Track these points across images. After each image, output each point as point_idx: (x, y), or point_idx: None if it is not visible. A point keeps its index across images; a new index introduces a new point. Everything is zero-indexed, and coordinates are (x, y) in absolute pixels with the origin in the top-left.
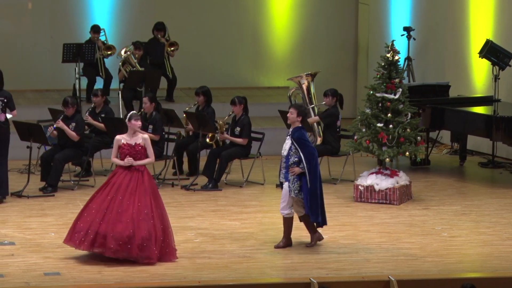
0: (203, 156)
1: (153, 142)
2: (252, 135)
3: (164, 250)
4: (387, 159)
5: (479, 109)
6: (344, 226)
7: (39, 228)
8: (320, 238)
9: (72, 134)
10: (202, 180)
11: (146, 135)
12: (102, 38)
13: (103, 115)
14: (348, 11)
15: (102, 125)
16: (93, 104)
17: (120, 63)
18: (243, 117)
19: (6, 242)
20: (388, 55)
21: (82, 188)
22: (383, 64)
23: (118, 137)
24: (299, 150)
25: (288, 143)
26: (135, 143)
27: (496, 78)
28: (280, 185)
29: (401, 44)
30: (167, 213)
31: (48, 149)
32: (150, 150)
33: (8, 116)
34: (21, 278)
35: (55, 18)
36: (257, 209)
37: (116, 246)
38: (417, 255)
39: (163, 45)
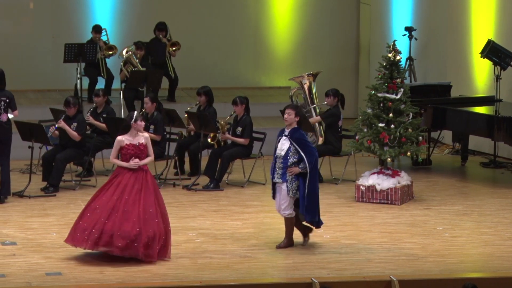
0: (205, 156)
1: (154, 142)
2: (254, 135)
3: (162, 248)
4: (389, 159)
5: (481, 109)
6: (345, 226)
7: (40, 228)
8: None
9: (73, 134)
10: (204, 180)
11: (146, 134)
12: (104, 38)
13: (104, 115)
14: (350, 11)
15: (103, 125)
16: (94, 104)
17: (122, 63)
18: (245, 117)
19: (7, 242)
20: (390, 55)
21: (83, 188)
22: (384, 64)
23: (120, 137)
24: (300, 150)
25: (285, 143)
26: (139, 143)
27: (497, 78)
28: (273, 186)
29: (402, 44)
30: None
31: (50, 149)
32: (150, 149)
33: (10, 116)
34: (23, 278)
35: (56, 18)
36: (259, 209)
37: (124, 244)
38: (419, 255)
39: (165, 45)
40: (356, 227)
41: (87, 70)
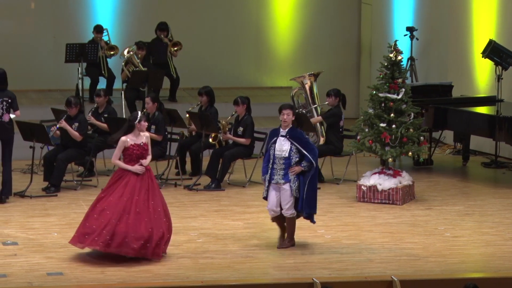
0: (206, 156)
1: (156, 142)
2: (255, 135)
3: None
4: (390, 159)
5: (482, 109)
6: (347, 226)
7: (42, 228)
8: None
9: (75, 134)
10: (205, 180)
11: (147, 133)
12: (105, 38)
13: (105, 115)
14: (351, 11)
15: (105, 125)
16: (95, 104)
17: (123, 63)
18: (246, 117)
19: (9, 242)
20: (391, 55)
21: (85, 188)
22: (386, 64)
23: (123, 138)
24: (302, 149)
25: (285, 144)
26: (142, 143)
27: (499, 78)
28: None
29: (404, 44)
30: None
31: (51, 149)
32: (150, 148)
33: (12, 116)
34: (24, 278)
35: (58, 18)
36: (260, 209)
37: (139, 245)
38: (420, 255)
39: (166, 45)
40: (357, 227)
41: (88, 70)
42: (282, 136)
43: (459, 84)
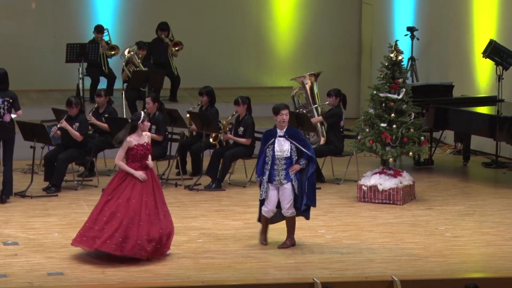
0: (207, 156)
1: (156, 142)
2: (256, 135)
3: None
4: (391, 159)
5: (483, 109)
6: (347, 226)
7: (42, 228)
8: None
9: (75, 134)
10: (206, 180)
11: (148, 133)
12: (106, 38)
13: (106, 115)
14: (352, 11)
15: (105, 125)
16: (96, 104)
17: (124, 63)
18: (247, 117)
19: (9, 242)
20: (392, 55)
21: (85, 188)
22: (386, 64)
23: (128, 139)
24: (300, 147)
25: (284, 144)
26: (145, 142)
27: (499, 78)
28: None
29: (404, 44)
30: None
31: (52, 149)
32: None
33: (13, 116)
34: (25, 278)
35: (58, 18)
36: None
37: (152, 248)
38: (421, 255)
39: (167, 45)
40: (358, 227)
41: (89, 70)
42: (280, 136)
43: (460, 84)
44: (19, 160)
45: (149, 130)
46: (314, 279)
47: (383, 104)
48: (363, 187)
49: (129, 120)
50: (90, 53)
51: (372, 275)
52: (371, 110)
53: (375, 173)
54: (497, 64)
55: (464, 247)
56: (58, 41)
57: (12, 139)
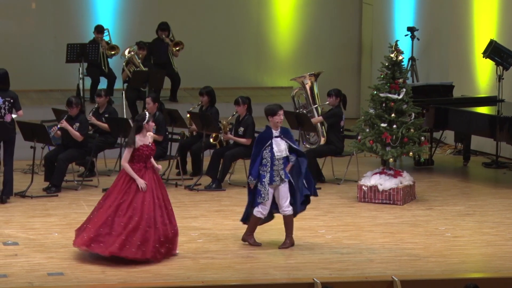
0: (207, 156)
1: (156, 142)
2: (256, 135)
3: None
4: (391, 159)
5: (483, 109)
6: (347, 226)
7: (42, 228)
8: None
9: (76, 134)
10: (206, 180)
11: (151, 133)
12: (106, 38)
13: (106, 115)
14: (352, 11)
15: (105, 125)
16: (96, 104)
17: (124, 63)
18: (247, 117)
19: (9, 242)
20: (392, 55)
21: (85, 188)
22: (386, 64)
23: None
24: (292, 144)
25: (281, 144)
26: (150, 143)
27: (500, 78)
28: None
29: (405, 44)
30: None
31: (52, 149)
32: None
33: (14, 116)
34: (25, 278)
35: (58, 18)
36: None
37: (165, 250)
38: (421, 255)
39: (167, 45)
40: (358, 227)
41: (89, 70)
42: (276, 137)
43: (460, 84)
44: (19, 160)
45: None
46: (314, 279)
47: (383, 104)
48: (363, 187)
49: (134, 121)
50: (90, 53)
51: (372, 275)
52: (371, 110)
53: (375, 173)
54: (497, 64)
55: (464, 247)
56: (58, 41)
57: (13, 139)
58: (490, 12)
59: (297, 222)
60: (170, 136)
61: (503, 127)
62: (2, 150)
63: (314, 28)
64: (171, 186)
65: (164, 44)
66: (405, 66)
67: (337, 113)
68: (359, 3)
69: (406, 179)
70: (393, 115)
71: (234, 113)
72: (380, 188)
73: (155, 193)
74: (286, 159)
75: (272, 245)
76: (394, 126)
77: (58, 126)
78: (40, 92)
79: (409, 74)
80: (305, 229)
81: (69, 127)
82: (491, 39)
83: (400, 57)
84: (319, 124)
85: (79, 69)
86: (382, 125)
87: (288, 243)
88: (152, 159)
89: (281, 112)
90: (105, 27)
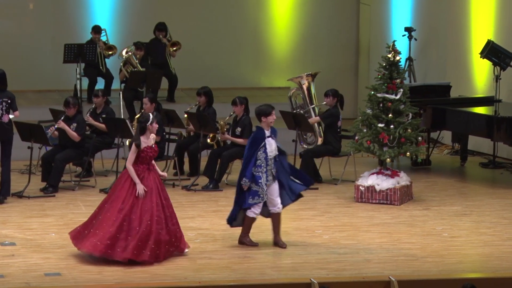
0: (204, 157)
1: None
2: None
3: None
4: (388, 159)
5: (480, 110)
6: (344, 226)
7: (39, 228)
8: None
9: (73, 134)
10: (203, 180)
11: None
12: (103, 38)
13: (104, 116)
14: (350, 11)
15: (103, 125)
16: (94, 105)
17: (121, 64)
18: (244, 117)
19: (6, 242)
20: (389, 55)
21: (82, 188)
22: (384, 64)
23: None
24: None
25: (273, 143)
26: (153, 144)
27: (497, 78)
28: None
29: (402, 44)
30: None
31: (49, 149)
32: None
33: (11, 116)
34: (22, 279)
35: (56, 18)
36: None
37: (173, 249)
38: (418, 255)
39: (164, 46)
40: (355, 227)
41: (86, 70)
42: (268, 137)
43: (457, 84)
44: (16, 161)
45: None
46: (311, 279)
47: (381, 105)
48: (360, 187)
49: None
50: (88, 54)
51: (369, 275)
52: (369, 111)
53: (373, 174)
54: (494, 64)
55: (461, 247)
56: (56, 41)
57: (10, 139)
58: (487, 12)
59: (294, 222)
60: (167, 136)
61: (500, 127)
62: None
63: (311, 28)
64: (168, 187)
65: (162, 44)
66: (403, 66)
67: (334, 113)
68: (357, 3)
69: (403, 179)
70: (390, 115)
71: (232, 113)
72: (377, 188)
73: (162, 194)
74: (274, 159)
75: (269, 245)
76: (392, 126)
77: (56, 126)
78: (38, 92)
79: (406, 74)
80: (302, 229)
81: (66, 128)
82: (488, 40)
83: (397, 57)
84: (316, 124)
85: (77, 69)
86: (380, 125)
87: (283, 242)
88: (156, 167)
89: (274, 112)
90: (102, 28)
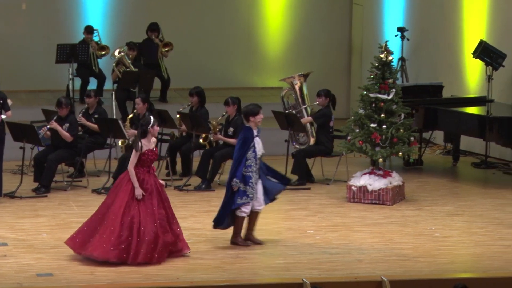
0: (197, 157)
1: None
2: None
3: None
4: (380, 159)
5: (473, 110)
6: (336, 226)
7: (31, 228)
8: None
9: (65, 134)
10: (195, 180)
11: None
12: (96, 38)
13: (96, 116)
14: (342, 11)
15: (95, 126)
16: (86, 105)
17: (114, 64)
18: (237, 117)
19: None
20: (382, 55)
21: (75, 188)
22: (376, 64)
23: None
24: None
25: (260, 142)
26: (154, 148)
27: (489, 78)
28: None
29: (394, 44)
30: None
31: (41, 149)
32: None
33: (3, 117)
34: (14, 279)
35: (48, 18)
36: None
37: (175, 249)
38: (410, 255)
39: (157, 46)
40: (347, 227)
41: (79, 70)
42: (256, 136)
43: (450, 84)
44: (8, 161)
45: None
46: (303, 279)
47: (373, 105)
48: (352, 187)
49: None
50: (80, 54)
51: (361, 276)
52: (361, 111)
53: (365, 174)
54: (487, 64)
55: (453, 247)
56: (48, 41)
57: (2, 139)
58: (480, 12)
59: (286, 222)
60: (160, 136)
61: (493, 127)
62: None
63: (304, 28)
64: None
65: (154, 44)
66: (395, 66)
67: (326, 113)
68: (349, 4)
69: (395, 179)
70: (382, 115)
71: (224, 113)
72: (370, 188)
73: (163, 195)
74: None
75: (261, 245)
76: (384, 126)
77: (48, 126)
78: (30, 92)
79: (399, 75)
80: (294, 230)
81: (58, 128)
82: (480, 40)
83: (389, 58)
84: (308, 124)
85: (69, 69)
86: (372, 125)
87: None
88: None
89: (261, 111)
90: (95, 28)
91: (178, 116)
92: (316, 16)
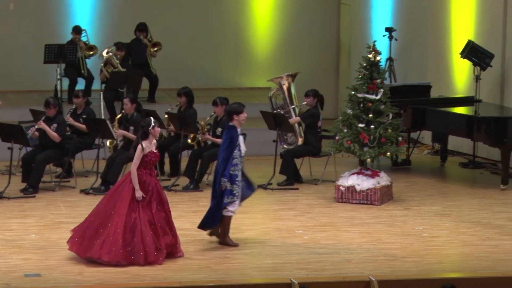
0: (185, 157)
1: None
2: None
3: None
4: (368, 159)
5: (460, 110)
6: (325, 226)
7: (19, 229)
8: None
9: (53, 135)
10: (184, 180)
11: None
12: (84, 39)
13: (84, 116)
14: (330, 11)
15: (83, 126)
16: (74, 105)
17: (102, 64)
18: (225, 117)
19: None
20: (370, 55)
21: (63, 189)
22: (364, 64)
23: (142, 146)
24: None
25: (242, 141)
26: (156, 150)
27: (477, 78)
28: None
29: (382, 44)
30: None
31: (30, 150)
32: None
33: None
34: (1, 280)
35: (37, 19)
36: (238, 210)
37: (175, 249)
38: (398, 255)
39: (145, 46)
40: (335, 227)
41: (67, 71)
42: (240, 134)
43: (438, 84)
44: None
45: (127, 131)
46: (292, 279)
47: (361, 105)
48: (340, 187)
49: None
50: (68, 54)
51: (350, 275)
52: (349, 111)
53: (353, 174)
54: (474, 64)
55: (441, 247)
56: (36, 42)
57: None
58: (468, 12)
59: (274, 222)
60: None
61: (480, 127)
62: None
63: (292, 28)
64: None
65: (142, 44)
66: (383, 66)
67: (314, 114)
68: (337, 4)
69: (383, 179)
70: (370, 115)
71: (212, 113)
72: (358, 188)
73: (163, 198)
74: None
75: (250, 245)
76: (372, 126)
77: (36, 127)
78: (18, 93)
79: (387, 75)
80: (283, 230)
81: (46, 128)
82: (468, 40)
83: (377, 58)
84: (296, 124)
85: (57, 70)
86: (360, 125)
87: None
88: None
89: (245, 110)
90: (83, 28)
91: (166, 116)
92: (304, 16)
